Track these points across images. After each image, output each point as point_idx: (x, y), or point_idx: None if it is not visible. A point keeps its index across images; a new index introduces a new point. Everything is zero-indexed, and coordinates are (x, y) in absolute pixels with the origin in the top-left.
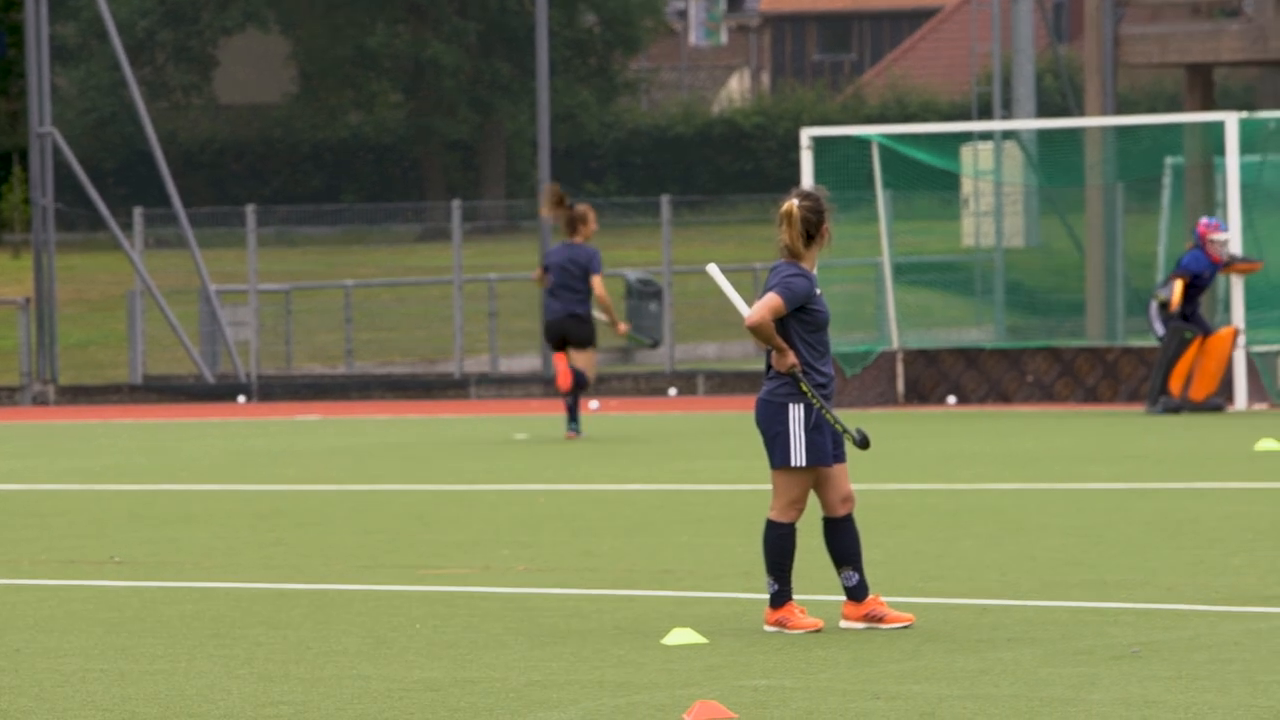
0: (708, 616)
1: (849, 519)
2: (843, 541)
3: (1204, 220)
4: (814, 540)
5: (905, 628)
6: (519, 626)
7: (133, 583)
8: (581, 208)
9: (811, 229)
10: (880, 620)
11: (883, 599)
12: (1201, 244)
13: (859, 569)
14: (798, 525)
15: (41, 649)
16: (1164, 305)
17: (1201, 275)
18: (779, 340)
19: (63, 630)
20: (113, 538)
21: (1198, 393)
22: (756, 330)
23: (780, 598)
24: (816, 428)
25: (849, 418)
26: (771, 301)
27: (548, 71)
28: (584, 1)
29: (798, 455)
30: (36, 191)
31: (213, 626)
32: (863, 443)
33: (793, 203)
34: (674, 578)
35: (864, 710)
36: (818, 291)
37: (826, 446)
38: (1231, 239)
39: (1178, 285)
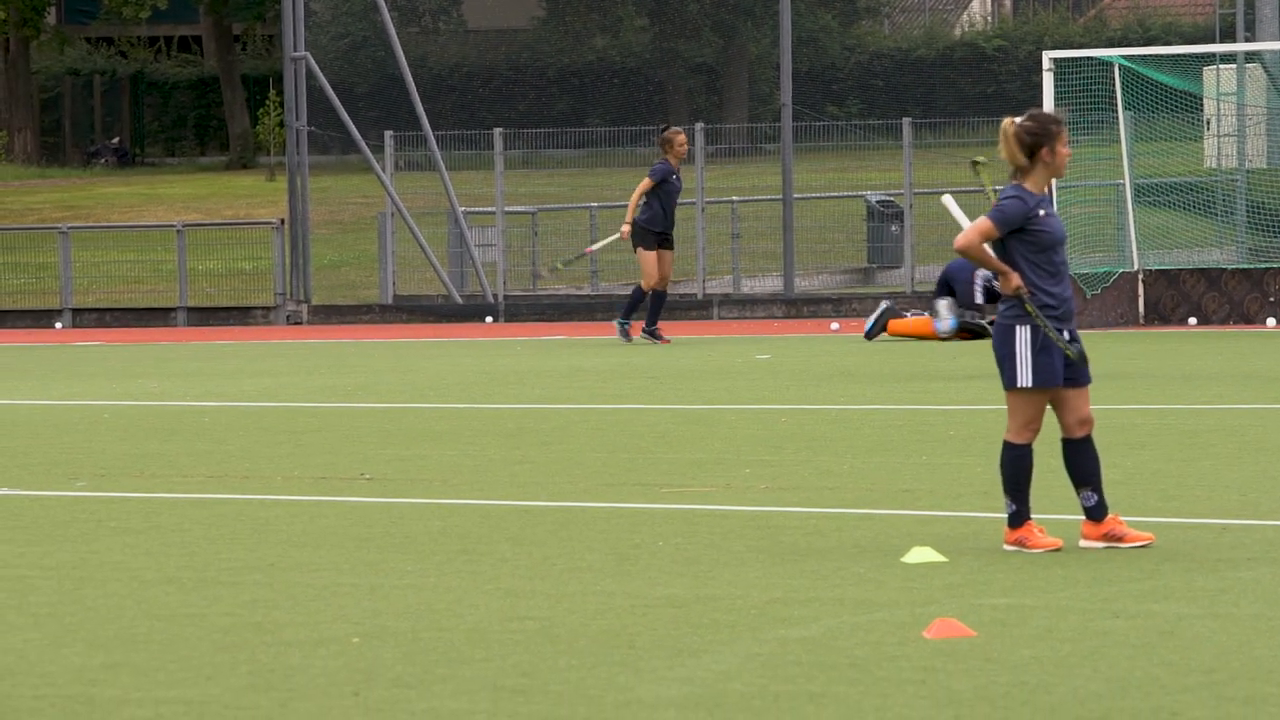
0: (947, 535)
1: (1086, 441)
2: (1080, 463)
3: None
4: (1054, 460)
5: (1144, 547)
6: (760, 544)
7: (383, 499)
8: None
9: (1028, 148)
10: (1120, 540)
11: (1122, 519)
12: None
13: (1098, 489)
14: (1034, 445)
15: (295, 563)
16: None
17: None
18: (995, 262)
19: (315, 545)
20: (363, 455)
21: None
22: (964, 253)
23: (1018, 518)
24: (1044, 349)
25: (1088, 338)
26: (981, 225)
27: None
28: None
29: (1024, 376)
30: (290, 115)
31: (460, 542)
32: (1079, 358)
33: (1009, 120)
34: (913, 497)
35: (1103, 629)
36: (1041, 213)
37: (1054, 367)
38: None
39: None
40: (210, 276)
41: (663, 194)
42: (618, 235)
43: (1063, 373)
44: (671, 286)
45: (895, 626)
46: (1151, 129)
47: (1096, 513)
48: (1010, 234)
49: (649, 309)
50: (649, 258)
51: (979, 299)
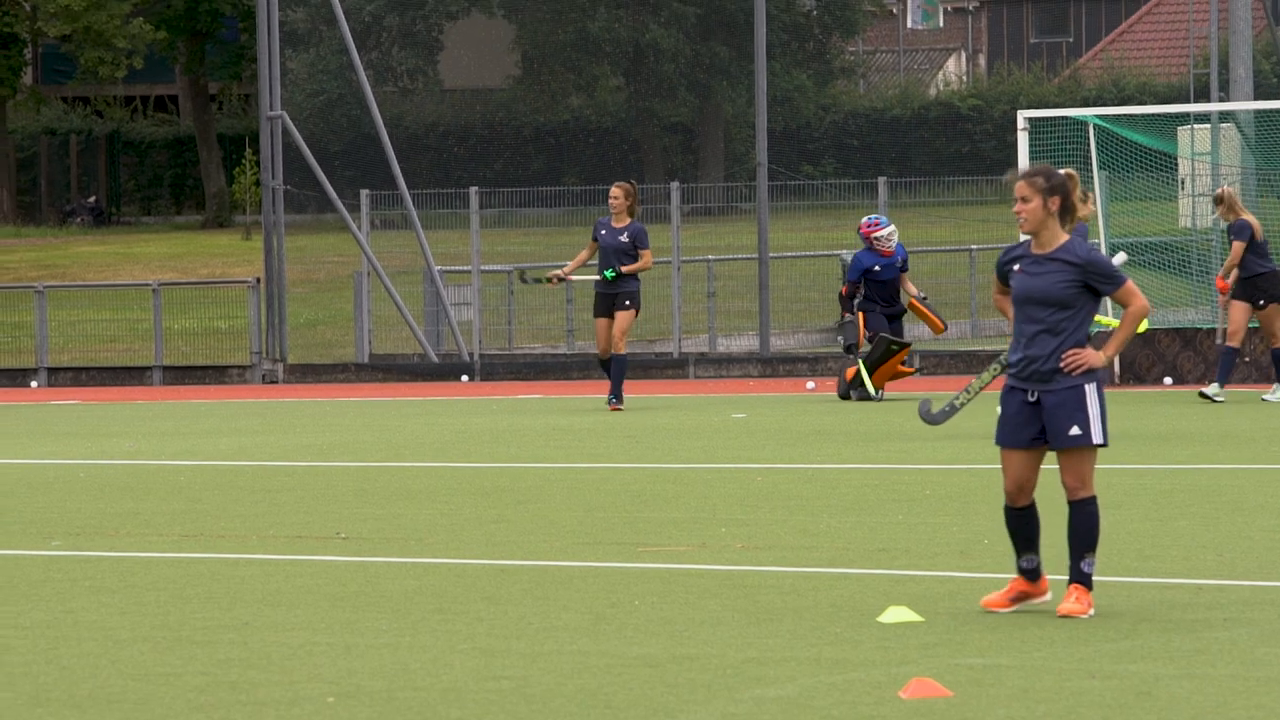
0: (923, 595)
1: (1073, 506)
2: (1069, 526)
3: (865, 221)
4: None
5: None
6: (736, 604)
7: (358, 558)
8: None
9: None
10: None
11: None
12: (869, 243)
13: (1074, 559)
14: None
15: (269, 622)
16: (849, 348)
17: (874, 270)
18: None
19: (290, 604)
20: (338, 513)
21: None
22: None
23: (1017, 568)
24: (1001, 407)
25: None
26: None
27: (765, 55)
28: None
29: None
30: (266, 174)
31: (435, 601)
32: (924, 413)
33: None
34: (890, 556)
35: (1079, 689)
36: (1015, 267)
37: (1003, 428)
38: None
39: (858, 316)
40: (186, 335)
41: (600, 252)
42: (545, 281)
43: (1013, 435)
44: (646, 345)
45: (871, 686)
46: (1126, 188)
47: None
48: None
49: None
50: (594, 325)
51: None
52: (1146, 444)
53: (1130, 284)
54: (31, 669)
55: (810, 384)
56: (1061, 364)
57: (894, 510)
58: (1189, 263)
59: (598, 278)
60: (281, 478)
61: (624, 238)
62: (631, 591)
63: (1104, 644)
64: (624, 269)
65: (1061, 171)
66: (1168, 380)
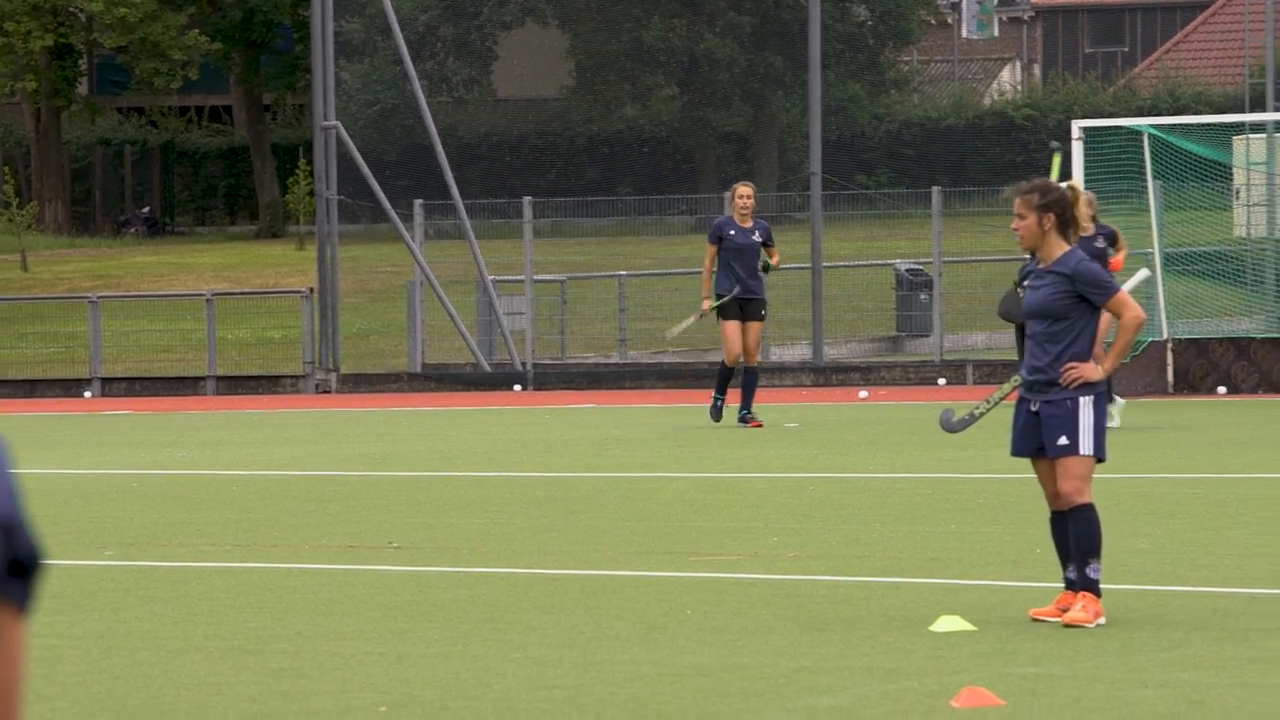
0: (975, 604)
1: (1070, 514)
2: (1070, 533)
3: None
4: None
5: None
6: (788, 613)
7: (410, 567)
8: None
9: None
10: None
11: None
12: None
13: (1077, 566)
14: (1057, 516)
15: (322, 632)
16: None
17: None
18: None
19: (342, 614)
20: (391, 523)
21: None
22: None
23: (1064, 578)
24: (1016, 418)
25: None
26: None
27: (820, 65)
28: None
29: None
30: (320, 184)
31: (487, 611)
32: (944, 421)
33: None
34: (941, 565)
35: (1131, 699)
36: (1027, 282)
37: (1013, 436)
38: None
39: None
40: (239, 345)
41: (726, 254)
42: (694, 318)
43: (1018, 444)
44: (699, 355)
45: (923, 695)
46: (1181, 198)
47: (1074, 587)
48: None
49: (718, 382)
50: (724, 328)
51: None
52: (1200, 453)
53: (1123, 294)
54: (84, 679)
55: (863, 393)
56: (1060, 378)
57: (946, 519)
58: (1243, 272)
59: (729, 283)
60: (334, 487)
61: (756, 236)
62: (683, 601)
63: (1156, 653)
64: (774, 262)
65: (1064, 185)
66: (1221, 389)
